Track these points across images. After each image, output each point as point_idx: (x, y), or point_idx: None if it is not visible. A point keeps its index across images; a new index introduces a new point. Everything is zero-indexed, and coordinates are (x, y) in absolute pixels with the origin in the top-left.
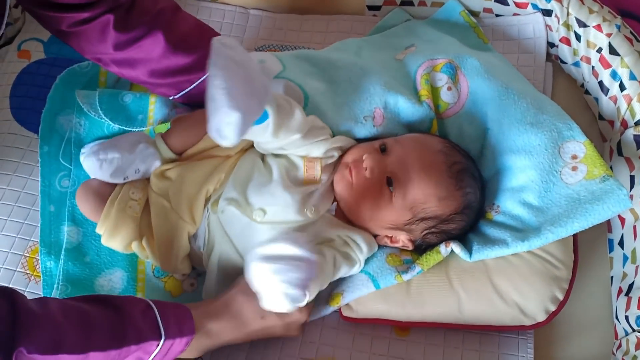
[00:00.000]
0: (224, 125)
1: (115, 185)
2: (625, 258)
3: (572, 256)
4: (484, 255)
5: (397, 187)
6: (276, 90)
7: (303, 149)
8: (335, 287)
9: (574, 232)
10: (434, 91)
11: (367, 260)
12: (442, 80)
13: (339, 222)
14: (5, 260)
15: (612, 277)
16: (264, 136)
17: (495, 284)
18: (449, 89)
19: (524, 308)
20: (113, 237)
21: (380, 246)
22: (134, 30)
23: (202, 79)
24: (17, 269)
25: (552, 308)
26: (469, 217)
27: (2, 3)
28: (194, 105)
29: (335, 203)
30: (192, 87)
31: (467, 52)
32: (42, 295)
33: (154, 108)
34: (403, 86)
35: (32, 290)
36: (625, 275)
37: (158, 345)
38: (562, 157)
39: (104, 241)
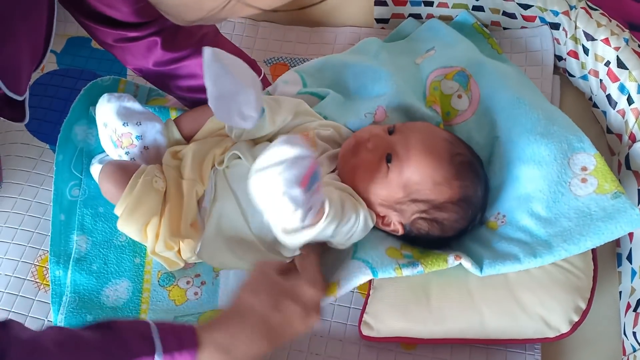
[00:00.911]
0: (244, 105)
1: (139, 165)
2: (633, 273)
3: (591, 265)
4: (496, 270)
5: (395, 163)
6: None
7: (298, 129)
8: (330, 276)
9: (586, 250)
10: (445, 98)
11: (365, 249)
12: (453, 88)
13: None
14: (15, 269)
15: (620, 292)
16: (263, 127)
17: (518, 297)
18: (460, 96)
19: (548, 320)
20: (134, 212)
21: (379, 238)
22: (180, 51)
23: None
24: (27, 278)
25: (576, 318)
26: (465, 211)
27: (48, 37)
28: None
29: (336, 172)
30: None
31: (483, 59)
32: (50, 305)
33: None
34: (413, 90)
35: (41, 298)
36: (633, 290)
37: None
38: (572, 169)
39: (123, 220)
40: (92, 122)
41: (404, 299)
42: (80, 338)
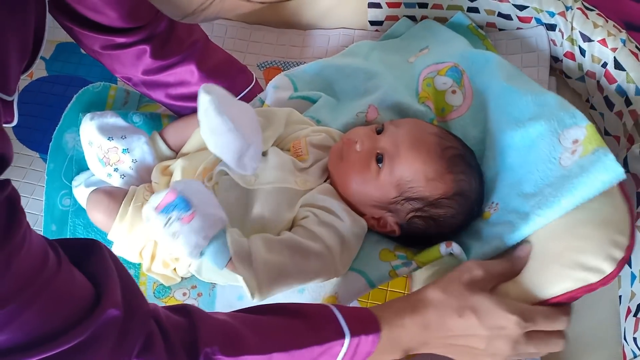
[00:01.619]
0: (245, 157)
1: (126, 190)
2: (633, 277)
3: (622, 201)
4: (482, 255)
5: (386, 162)
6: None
7: (289, 137)
8: (328, 290)
9: (566, 211)
10: (439, 94)
11: (359, 257)
12: (447, 84)
13: (334, 192)
14: None
15: (620, 297)
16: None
17: (546, 250)
18: (454, 92)
19: (585, 262)
20: (128, 239)
21: (372, 243)
22: (169, 58)
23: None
24: None
25: (618, 254)
26: (461, 206)
27: (38, 39)
28: None
29: (328, 180)
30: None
31: (475, 52)
32: None
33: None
34: (405, 87)
35: None
36: (633, 294)
37: (343, 345)
38: (562, 144)
39: (118, 247)
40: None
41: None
42: (268, 322)
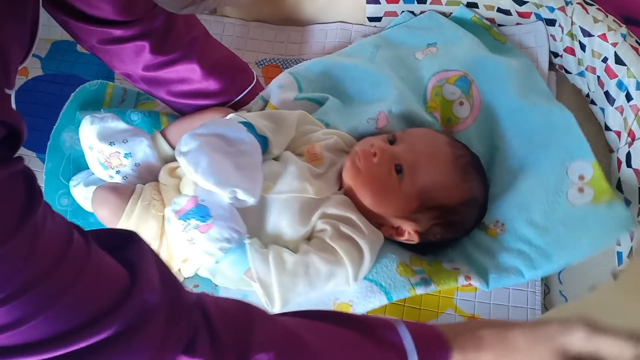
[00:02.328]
0: (240, 198)
1: (133, 187)
2: None
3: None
4: (501, 284)
5: (406, 174)
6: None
7: (301, 140)
8: (340, 297)
9: (585, 257)
10: (446, 104)
11: (375, 268)
12: (455, 94)
13: (350, 203)
14: None
15: None
16: (271, 154)
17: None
18: (461, 103)
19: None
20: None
21: (388, 254)
22: (169, 54)
23: (231, 102)
24: None
25: None
26: (473, 210)
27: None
28: None
29: (342, 189)
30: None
31: (486, 59)
32: None
33: (167, 121)
34: (413, 93)
35: None
36: None
37: None
38: (569, 177)
39: None
40: (79, 127)
41: None
42: (330, 331)
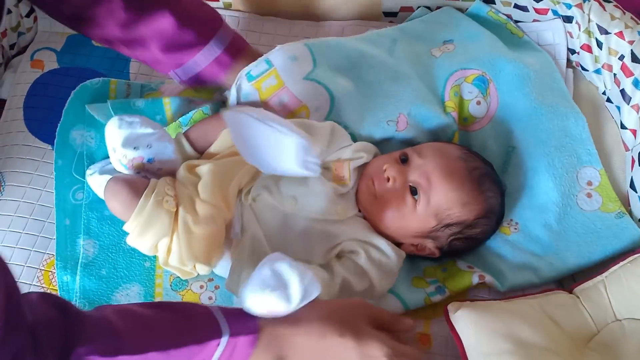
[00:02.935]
0: (298, 153)
1: (147, 181)
2: None
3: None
4: (516, 285)
5: (421, 195)
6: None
7: (332, 156)
8: None
9: (595, 264)
10: (463, 103)
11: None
12: (473, 93)
13: (369, 226)
14: (21, 274)
15: None
16: None
17: None
18: (478, 102)
19: None
20: (144, 233)
21: (404, 271)
22: (142, 9)
23: (201, 52)
24: (33, 283)
25: None
26: (493, 221)
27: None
28: (202, 89)
29: (361, 214)
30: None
31: (505, 57)
32: None
33: (170, 107)
34: (431, 92)
35: None
36: None
37: (219, 344)
38: (579, 182)
39: (132, 238)
40: (90, 125)
41: None
42: (147, 318)
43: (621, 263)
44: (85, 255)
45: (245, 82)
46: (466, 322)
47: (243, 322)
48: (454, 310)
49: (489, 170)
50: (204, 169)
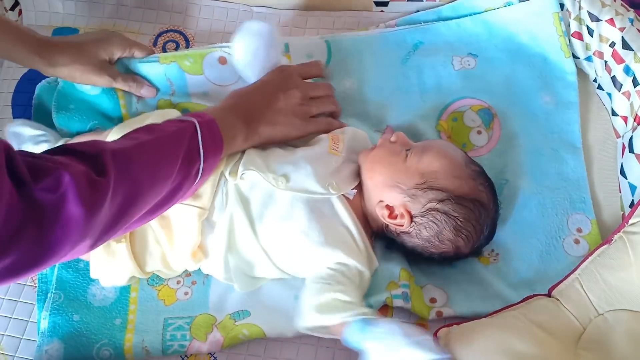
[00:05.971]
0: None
1: None
2: None
3: None
4: (481, 311)
5: (414, 152)
6: None
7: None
8: None
9: None
10: (464, 129)
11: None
12: (475, 122)
13: (351, 213)
14: None
15: None
16: None
17: None
18: (479, 132)
19: None
20: (111, 278)
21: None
22: None
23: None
24: None
25: None
26: (477, 216)
27: None
28: None
29: (354, 190)
30: None
31: (519, 95)
32: (36, 305)
33: (125, 103)
34: (428, 105)
35: (25, 300)
36: None
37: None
38: (569, 227)
39: (104, 284)
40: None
41: None
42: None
43: (590, 258)
44: None
45: None
46: (458, 348)
47: (214, 139)
48: (443, 337)
49: (489, 178)
50: None
